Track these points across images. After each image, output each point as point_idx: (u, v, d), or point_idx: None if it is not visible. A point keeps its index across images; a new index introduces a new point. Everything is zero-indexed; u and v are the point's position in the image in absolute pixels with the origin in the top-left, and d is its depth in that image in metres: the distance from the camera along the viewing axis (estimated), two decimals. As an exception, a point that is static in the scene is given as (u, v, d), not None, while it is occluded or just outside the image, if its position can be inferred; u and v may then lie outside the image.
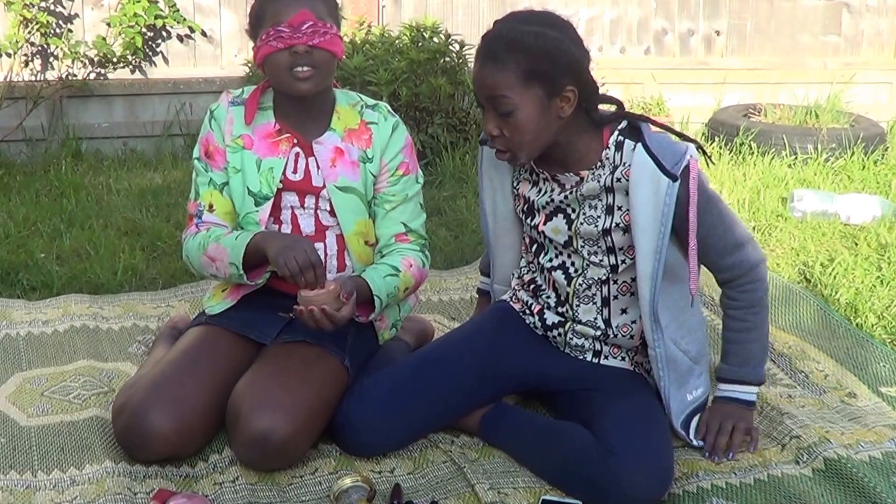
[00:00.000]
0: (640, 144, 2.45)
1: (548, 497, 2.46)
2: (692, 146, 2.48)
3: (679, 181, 2.41)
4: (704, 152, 2.56)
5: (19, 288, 3.74)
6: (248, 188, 2.72)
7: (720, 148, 5.68)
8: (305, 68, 2.59)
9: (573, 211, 2.57)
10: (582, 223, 2.56)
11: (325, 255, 2.77)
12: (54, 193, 4.81)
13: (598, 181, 2.50)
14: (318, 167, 2.73)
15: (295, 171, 2.73)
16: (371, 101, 2.85)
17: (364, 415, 2.59)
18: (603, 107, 2.55)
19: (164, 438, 2.50)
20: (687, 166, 2.42)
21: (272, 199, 2.72)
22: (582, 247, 2.59)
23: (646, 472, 2.38)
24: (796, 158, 5.43)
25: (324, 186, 2.73)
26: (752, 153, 5.51)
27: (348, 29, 5.42)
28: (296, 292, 2.56)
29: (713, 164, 2.61)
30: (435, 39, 5.37)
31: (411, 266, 2.78)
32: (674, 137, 2.55)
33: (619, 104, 2.59)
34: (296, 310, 2.53)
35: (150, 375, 2.61)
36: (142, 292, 3.71)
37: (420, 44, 5.34)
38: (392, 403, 2.61)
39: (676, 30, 6.45)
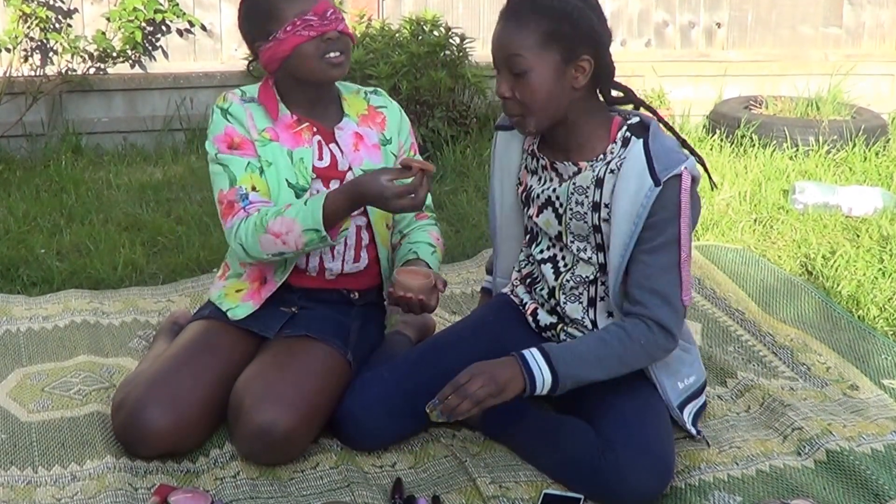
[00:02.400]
0: (641, 140, 2.44)
1: (549, 491, 2.45)
2: (691, 163, 2.43)
3: (661, 188, 2.37)
4: (707, 171, 2.51)
5: (19, 283, 3.73)
6: (286, 180, 2.69)
7: (721, 140, 5.67)
8: (337, 54, 2.64)
9: (561, 206, 2.57)
10: (571, 218, 2.55)
11: (345, 245, 2.78)
12: (54, 189, 4.80)
13: (594, 172, 2.49)
14: (341, 152, 2.75)
15: (321, 158, 2.74)
16: (369, 88, 2.92)
17: (365, 409, 2.59)
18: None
19: (162, 435, 2.50)
20: (678, 177, 2.39)
21: (309, 189, 2.72)
22: (572, 242, 2.59)
23: (646, 466, 2.38)
24: (798, 150, 5.42)
25: (349, 170, 2.74)
26: (754, 145, 5.50)
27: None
28: (310, 286, 2.71)
29: (715, 187, 2.54)
30: (435, 33, 5.36)
31: (439, 239, 2.93)
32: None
33: (631, 93, 2.57)
34: (390, 293, 2.60)
35: (149, 371, 2.61)
36: (142, 287, 3.71)
37: (420, 37, 5.33)
38: (393, 397, 2.60)
39: (677, 22, 6.43)
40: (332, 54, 2.63)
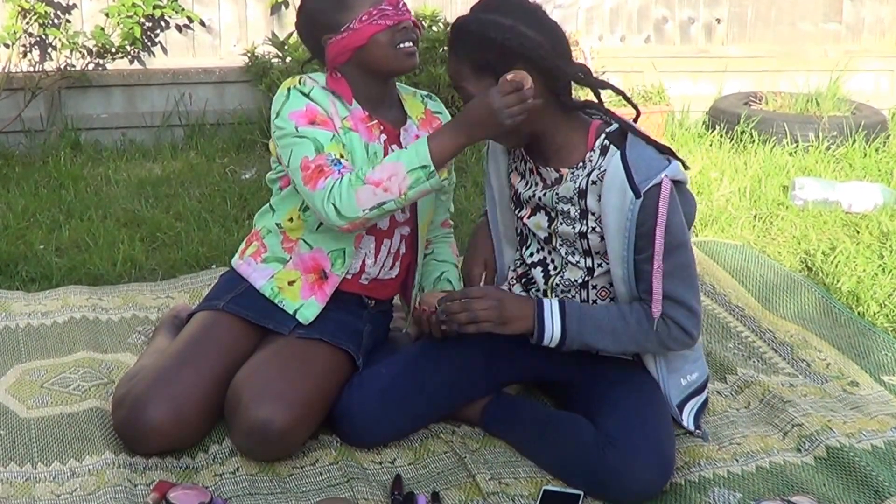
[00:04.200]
0: (619, 152, 2.42)
1: (549, 488, 2.45)
2: (674, 167, 2.42)
3: (642, 199, 2.36)
4: (684, 165, 2.49)
5: (18, 279, 3.73)
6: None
7: (721, 136, 5.66)
8: (410, 44, 2.66)
9: (552, 209, 2.57)
10: (561, 223, 2.55)
11: (388, 252, 2.79)
12: (53, 185, 4.80)
13: (575, 182, 2.48)
14: None
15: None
16: (424, 92, 2.94)
17: (363, 406, 2.59)
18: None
19: (162, 432, 2.50)
20: (658, 185, 2.37)
21: None
22: (560, 245, 2.59)
23: (646, 462, 2.38)
24: (797, 146, 5.42)
25: None
26: (753, 141, 5.49)
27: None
28: (337, 288, 2.72)
29: (688, 167, 2.52)
30: (434, 28, 5.36)
31: (458, 255, 3.04)
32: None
33: (620, 93, 2.56)
34: (415, 308, 2.72)
35: (152, 368, 2.61)
36: (141, 283, 3.70)
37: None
38: (391, 394, 2.60)
39: (677, 18, 6.42)
40: (405, 44, 2.64)
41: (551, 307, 2.49)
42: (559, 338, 2.48)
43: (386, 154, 2.69)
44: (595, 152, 2.47)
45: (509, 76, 2.36)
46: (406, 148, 2.52)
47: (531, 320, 2.48)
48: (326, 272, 2.74)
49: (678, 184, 2.43)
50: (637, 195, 2.36)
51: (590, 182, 2.46)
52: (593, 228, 2.48)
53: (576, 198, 2.49)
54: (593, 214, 2.47)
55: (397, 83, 2.85)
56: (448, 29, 2.52)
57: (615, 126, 2.49)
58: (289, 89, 2.64)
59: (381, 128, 2.73)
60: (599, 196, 2.44)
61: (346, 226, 2.53)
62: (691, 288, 2.48)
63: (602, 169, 2.44)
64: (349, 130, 2.66)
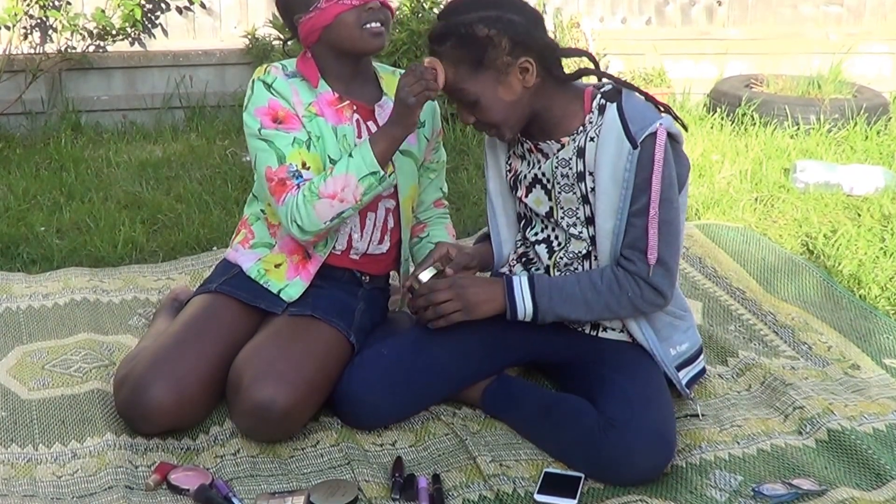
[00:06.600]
0: (614, 105, 2.46)
1: (550, 470, 2.45)
2: (668, 119, 2.45)
3: (639, 149, 2.40)
4: (682, 124, 2.52)
5: (19, 261, 3.73)
6: (329, 157, 2.68)
7: (722, 119, 5.65)
8: (377, 24, 2.65)
9: (549, 181, 2.57)
10: (560, 192, 2.55)
11: (373, 225, 2.79)
12: (54, 166, 4.79)
13: (575, 143, 2.51)
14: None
15: (360, 137, 2.72)
16: (402, 70, 2.89)
17: (364, 388, 2.58)
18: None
19: (165, 411, 2.51)
20: (654, 135, 2.40)
21: None
22: (562, 218, 2.59)
23: (647, 444, 2.38)
24: (799, 129, 5.41)
25: None
26: (755, 124, 5.49)
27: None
28: (328, 263, 2.73)
29: (686, 130, 2.55)
30: (435, 10, 5.33)
31: (454, 235, 3.05)
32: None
33: (590, 57, 2.58)
34: (410, 298, 2.66)
35: (152, 348, 2.61)
36: (142, 265, 3.70)
37: (420, 15, 5.31)
38: (392, 376, 2.60)
39: (678, 0, 6.40)
40: (372, 24, 2.64)
41: (521, 285, 2.55)
42: (532, 313, 2.54)
43: (359, 133, 2.72)
44: (594, 113, 2.50)
45: (426, 61, 2.47)
46: (351, 155, 2.57)
47: (500, 301, 2.55)
48: (310, 252, 2.76)
49: (672, 140, 2.46)
50: (634, 146, 2.40)
51: (588, 139, 2.48)
52: (592, 189, 2.49)
53: (574, 158, 2.51)
54: (591, 174, 2.49)
55: (377, 63, 2.86)
56: (430, 36, 2.52)
57: (609, 86, 2.52)
58: (254, 81, 2.72)
59: (354, 107, 2.73)
60: (595, 153, 2.47)
61: (311, 238, 2.63)
62: (670, 246, 2.48)
63: (600, 125, 2.46)
64: (315, 116, 2.68)
